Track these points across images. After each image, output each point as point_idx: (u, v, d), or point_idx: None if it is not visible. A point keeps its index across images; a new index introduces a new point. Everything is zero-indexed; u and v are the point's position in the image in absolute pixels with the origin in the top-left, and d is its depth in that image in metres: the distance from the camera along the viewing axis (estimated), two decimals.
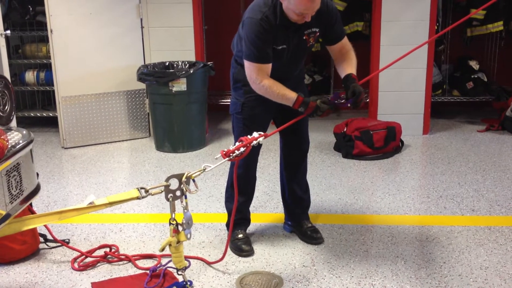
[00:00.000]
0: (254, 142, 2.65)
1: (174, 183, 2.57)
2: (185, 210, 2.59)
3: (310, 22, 2.75)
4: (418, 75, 5.20)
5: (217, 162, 2.64)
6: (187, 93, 4.86)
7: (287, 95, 2.77)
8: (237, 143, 2.66)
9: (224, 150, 2.64)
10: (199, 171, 2.61)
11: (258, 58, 2.77)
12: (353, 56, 2.95)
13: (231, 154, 2.63)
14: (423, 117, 5.31)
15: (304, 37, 2.86)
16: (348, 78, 2.84)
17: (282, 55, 2.86)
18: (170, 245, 2.60)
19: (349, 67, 2.90)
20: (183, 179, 2.57)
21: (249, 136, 2.67)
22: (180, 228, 2.59)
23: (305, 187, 3.31)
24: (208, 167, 2.62)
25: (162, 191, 2.57)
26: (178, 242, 2.60)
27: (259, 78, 2.78)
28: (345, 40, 2.97)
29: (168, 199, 2.58)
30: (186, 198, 2.59)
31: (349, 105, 2.81)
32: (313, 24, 2.81)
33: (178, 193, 2.58)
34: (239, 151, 2.63)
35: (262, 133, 2.70)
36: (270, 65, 2.79)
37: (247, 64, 2.81)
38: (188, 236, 2.61)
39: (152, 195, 2.58)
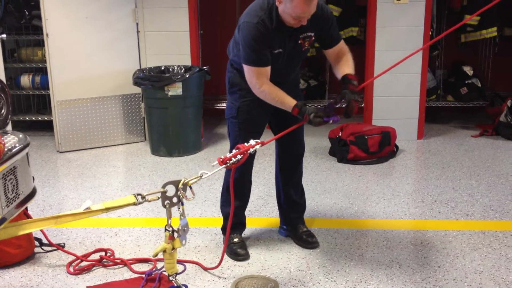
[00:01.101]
0: (251, 149, 2.66)
1: (170, 190, 2.57)
2: (182, 217, 2.59)
3: (305, 26, 2.76)
4: (412, 80, 5.22)
5: (214, 168, 2.65)
6: (182, 98, 4.87)
7: (285, 102, 2.80)
8: (234, 151, 2.66)
9: (221, 158, 2.65)
10: (195, 178, 2.61)
11: (256, 62, 2.78)
12: (349, 58, 2.97)
13: (228, 162, 2.64)
14: (418, 122, 5.34)
15: (299, 41, 2.87)
16: (345, 79, 2.84)
17: (278, 59, 2.87)
18: (164, 251, 2.60)
19: (345, 67, 2.90)
20: (180, 185, 2.57)
21: (246, 144, 2.68)
22: (175, 235, 2.59)
23: (300, 191, 3.32)
24: (205, 174, 2.62)
25: (158, 198, 2.57)
26: (173, 248, 2.60)
27: (259, 82, 2.79)
28: (342, 43, 2.99)
29: (164, 206, 2.57)
30: (182, 204, 2.59)
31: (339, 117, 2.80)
32: (308, 28, 2.83)
33: (175, 199, 2.58)
34: (236, 159, 2.63)
35: (258, 140, 2.70)
36: (269, 68, 2.80)
37: (246, 68, 2.82)
38: (183, 242, 2.61)
39: (149, 201, 2.58)
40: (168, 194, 2.57)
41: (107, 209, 2.60)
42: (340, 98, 2.80)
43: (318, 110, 2.77)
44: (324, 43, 2.98)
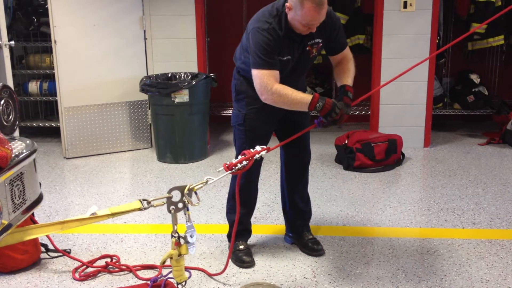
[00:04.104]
0: (257, 155, 2.66)
1: (176, 195, 2.58)
2: (188, 223, 2.59)
3: (313, 33, 2.77)
4: (419, 88, 5.22)
5: (219, 174, 2.65)
6: (189, 104, 4.89)
7: (301, 95, 2.71)
8: (240, 157, 2.66)
9: (226, 163, 2.64)
10: (201, 183, 2.60)
11: (268, 64, 2.73)
12: (351, 66, 2.97)
13: (233, 167, 2.63)
14: (424, 130, 5.33)
15: (307, 48, 2.87)
16: (342, 90, 2.87)
17: (286, 66, 2.86)
18: (171, 258, 2.60)
19: (344, 77, 2.91)
20: (185, 191, 2.57)
21: (251, 150, 2.68)
22: (182, 241, 2.59)
23: (306, 199, 3.32)
24: (211, 180, 2.62)
25: (164, 203, 2.57)
26: (180, 255, 2.60)
27: (270, 83, 2.71)
28: (347, 50, 3.00)
29: (170, 211, 2.57)
30: (188, 210, 2.59)
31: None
32: (316, 35, 2.83)
33: (180, 205, 2.58)
34: (242, 165, 2.63)
35: (264, 146, 2.70)
36: (278, 72, 2.76)
37: (256, 72, 2.75)
38: (192, 250, 2.60)
39: (154, 206, 2.59)
40: (173, 199, 2.57)
41: (113, 215, 2.60)
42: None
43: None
44: (330, 49, 2.99)
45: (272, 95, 2.73)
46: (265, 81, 2.72)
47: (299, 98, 2.71)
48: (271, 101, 2.77)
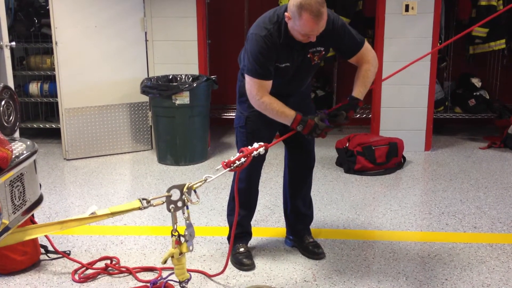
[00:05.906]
0: (255, 152, 2.66)
1: (175, 194, 2.57)
2: (187, 221, 2.59)
3: (315, 41, 2.75)
4: (420, 91, 5.21)
5: (218, 172, 2.64)
6: (190, 106, 4.88)
7: (286, 113, 2.78)
8: (238, 154, 2.67)
9: (225, 161, 2.65)
10: (200, 181, 2.61)
11: (259, 75, 2.77)
12: (369, 71, 2.91)
13: (232, 165, 2.64)
14: (425, 134, 5.32)
15: (309, 55, 2.87)
16: (353, 102, 2.88)
17: (286, 72, 2.86)
18: (172, 257, 2.59)
19: (358, 86, 2.90)
20: (185, 189, 2.56)
21: (249, 147, 2.68)
22: (182, 239, 2.59)
23: (308, 203, 3.31)
24: (210, 178, 2.62)
25: (163, 202, 2.57)
26: (181, 253, 2.59)
27: (259, 94, 2.78)
28: (362, 52, 2.91)
29: (169, 210, 2.57)
30: (187, 209, 2.59)
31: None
32: (318, 43, 2.81)
33: (179, 203, 2.57)
34: (240, 162, 2.63)
35: (262, 143, 2.70)
36: (270, 82, 2.80)
37: (248, 79, 2.81)
38: (191, 247, 2.60)
39: (154, 206, 2.58)
40: (172, 198, 2.56)
41: (113, 214, 2.60)
42: (333, 114, 2.85)
43: (320, 115, 2.80)
44: (343, 53, 2.96)
45: (259, 106, 2.82)
46: (255, 91, 2.80)
47: (283, 116, 2.80)
48: (257, 108, 2.85)
